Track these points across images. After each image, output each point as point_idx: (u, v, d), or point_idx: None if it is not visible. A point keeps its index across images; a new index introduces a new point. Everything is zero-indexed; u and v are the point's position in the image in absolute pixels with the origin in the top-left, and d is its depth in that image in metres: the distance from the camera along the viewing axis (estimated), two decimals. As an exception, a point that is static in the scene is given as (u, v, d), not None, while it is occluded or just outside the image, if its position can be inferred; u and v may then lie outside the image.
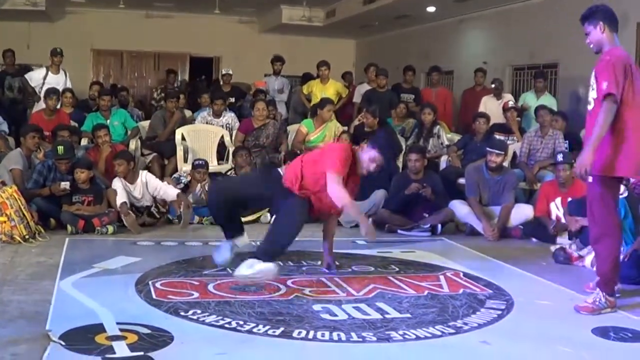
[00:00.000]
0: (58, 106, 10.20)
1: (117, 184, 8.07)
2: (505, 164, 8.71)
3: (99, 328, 4.36)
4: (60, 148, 8.01)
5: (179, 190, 8.19)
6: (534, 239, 7.95)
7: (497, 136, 9.62)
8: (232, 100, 12.18)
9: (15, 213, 7.03)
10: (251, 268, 5.41)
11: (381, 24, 16.86)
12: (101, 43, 18.37)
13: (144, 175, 8.31)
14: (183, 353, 4.05)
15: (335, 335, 4.43)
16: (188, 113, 11.70)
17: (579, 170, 5.03)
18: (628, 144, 4.98)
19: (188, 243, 7.30)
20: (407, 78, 12.40)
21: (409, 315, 4.93)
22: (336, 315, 4.85)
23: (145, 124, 11.04)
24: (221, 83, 13.11)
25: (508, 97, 11.38)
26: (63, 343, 4.06)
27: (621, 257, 5.82)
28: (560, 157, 7.93)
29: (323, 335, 4.43)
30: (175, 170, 9.74)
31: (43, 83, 10.97)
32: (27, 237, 7.04)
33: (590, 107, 5.14)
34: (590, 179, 5.08)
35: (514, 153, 9.69)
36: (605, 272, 5.18)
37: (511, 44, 13.60)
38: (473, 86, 12.61)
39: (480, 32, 14.98)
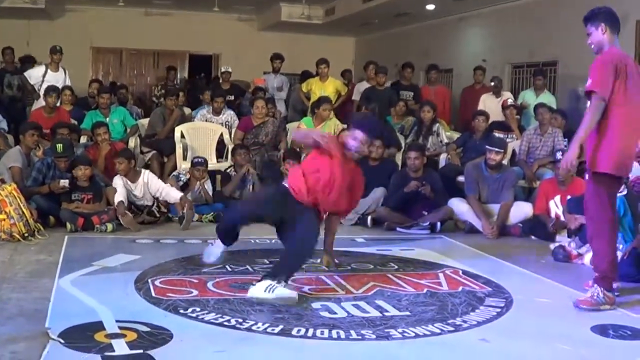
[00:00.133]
0: (58, 104, 10.20)
1: (118, 182, 8.06)
2: (505, 161, 8.72)
3: (98, 326, 4.36)
4: (60, 146, 8.01)
5: (182, 193, 8.17)
6: (533, 237, 7.95)
7: (497, 134, 9.62)
8: (232, 98, 12.17)
9: (14, 211, 7.03)
10: (270, 292, 4.93)
11: (381, 21, 16.86)
12: (100, 41, 18.37)
13: (146, 175, 8.30)
14: (182, 351, 4.05)
15: (334, 333, 4.43)
16: (187, 111, 11.69)
17: (563, 164, 5.28)
18: (610, 141, 5.10)
19: (187, 241, 7.30)
20: (405, 75, 12.39)
21: (408, 313, 4.93)
22: (335, 313, 4.85)
23: (145, 121, 11.04)
24: (220, 81, 13.11)
25: (507, 95, 11.40)
26: (62, 341, 4.06)
27: (620, 254, 5.85)
28: (559, 155, 7.94)
29: (322, 333, 4.43)
30: (175, 168, 9.75)
31: (42, 81, 10.97)
32: (26, 234, 7.04)
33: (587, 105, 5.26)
34: (586, 175, 5.23)
35: (513, 151, 9.69)
36: (602, 269, 5.23)
37: (510, 42, 13.60)
38: (472, 84, 12.62)
39: (479, 30, 14.98)
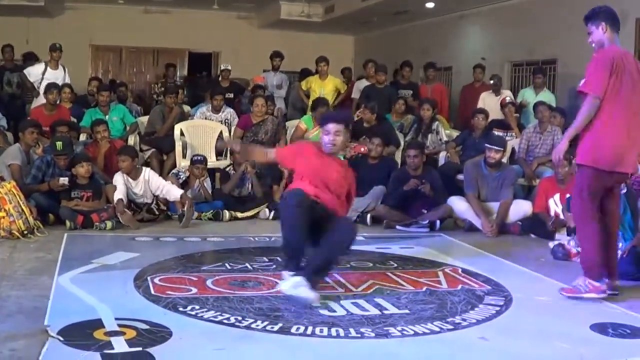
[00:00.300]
0: (58, 101, 10.19)
1: (119, 179, 8.05)
2: (504, 160, 8.72)
3: (98, 323, 4.35)
4: (59, 143, 8.00)
5: (182, 191, 8.17)
6: (532, 235, 7.95)
7: (496, 132, 9.61)
8: (231, 96, 12.17)
9: (13, 208, 7.02)
10: (295, 289, 4.92)
11: (380, 20, 16.86)
12: (100, 39, 18.37)
13: (147, 173, 8.30)
14: (181, 349, 4.05)
15: (333, 331, 4.43)
16: (187, 108, 11.69)
17: (553, 156, 5.61)
18: (593, 134, 5.27)
19: (187, 239, 7.30)
20: (404, 74, 12.39)
21: (407, 311, 4.93)
22: (335, 311, 4.85)
23: (144, 119, 11.04)
24: (220, 79, 13.11)
25: (506, 94, 11.40)
26: (61, 338, 4.06)
27: (620, 253, 5.85)
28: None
29: (321, 331, 4.43)
30: (174, 165, 9.75)
31: (42, 78, 10.97)
32: (25, 232, 7.04)
33: None
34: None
35: (513, 149, 9.69)
36: (585, 259, 5.42)
37: (510, 40, 13.60)
38: (472, 82, 12.62)
39: (479, 28, 14.98)
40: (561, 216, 7.61)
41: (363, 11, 15.46)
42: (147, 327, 4.33)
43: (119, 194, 7.87)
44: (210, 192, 8.73)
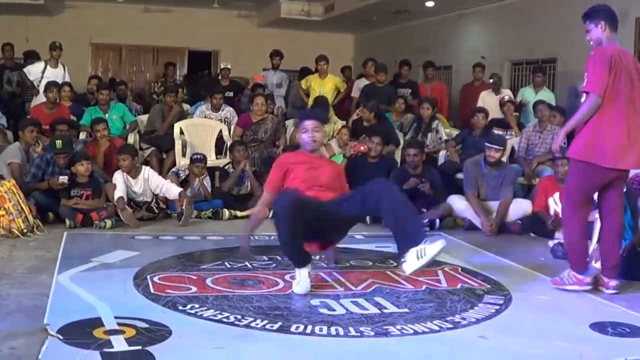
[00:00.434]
0: (58, 99, 10.19)
1: (118, 177, 8.06)
2: (504, 159, 8.72)
3: (97, 322, 4.36)
4: (59, 142, 8.01)
5: (181, 189, 8.18)
6: (532, 234, 7.96)
7: (496, 131, 9.61)
8: (231, 94, 12.17)
9: (13, 207, 7.03)
10: (423, 256, 4.91)
11: (380, 18, 16.85)
12: (100, 37, 18.36)
13: (146, 171, 8.30)
14: (181, 347, 4.05)
15: (333, 330, 4.43)
16: (186, 107, 11.70)
17: (552, 147, 5.91)
18: (591, 131, 5.34)
19: (186, 237, 7.30)
20: (402, 73, 12.40)
21: (407, 310, 4.93)
22: (334, 310, 4.85)
23: (144, 118, 11.04)
24: (220, 77, 13.10)
25: (506, 92, 11.40)
26: (61, 337, 4.06)
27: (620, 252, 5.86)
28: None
29: (321, 330, 4.43)
30: (174, 164, 9.75)
31: (42, 77, 10.97)
32: (25, 231, 7.04)
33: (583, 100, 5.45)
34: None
35: (512, 148, 9.69)
36: (570, 252, 5.68)
37: (510, 39, 13.59)
38: (471, 81, 12.62)
39: (478, 27, 14.97)
40: (561, 215, 7.60)
41: (363, 10, 15.45)
42: (147, 325, 4.33)
43: (119, 192, 7.88)
44: (209, 190, 8.73)
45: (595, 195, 5.68)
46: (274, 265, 6.08)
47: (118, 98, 11.77)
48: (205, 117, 10.77)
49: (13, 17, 16.25)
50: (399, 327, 4.53)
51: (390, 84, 12.31)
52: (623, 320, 4.82)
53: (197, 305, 4.83)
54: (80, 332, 4.16)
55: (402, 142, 10.09)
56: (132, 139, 10.26)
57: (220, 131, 10.48)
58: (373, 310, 4.89)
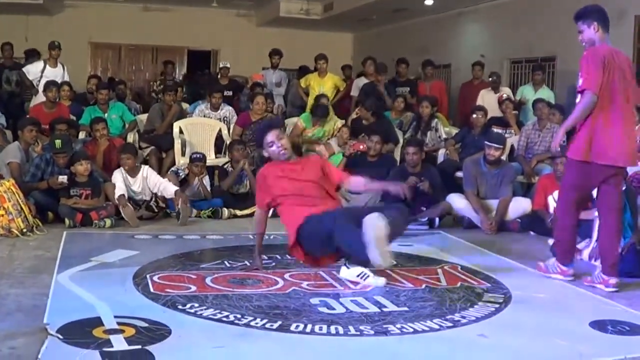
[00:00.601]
0: (57, 99, 10.18)
1: (118, 176, 8.07)
2: (503, 157, 8.72)
3: (97, 322, 4.35)
4: (58, 142, 8.00)
5: (177, 188, 8.18)
6: (531, 233, 7.96)
7: (495, 130, 9.61)
8: (230, 93, 12.17)
9: (13, 206, 7.03)
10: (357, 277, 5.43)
11: (379, 17, 16.86)
12: (99, 36, 18.37)
13: (145, 170, 8.32)
14: (180, 346, 4.04)
15: (332, 328, 4.42)
16: (186, 106, 11.70)
17: (552, 147, 5.94)
18: (586, 130, 5.42)
19: (186, 236, 7.30)
20: (400, 71, 12.40)
21: (406, 308, 4.93)
22: (334, 309, 4.84)
23: (143, 117, 11.04)
24: (219, 76, 13.11)
25: (505, 91, 11.40)
26: (60, 336, 4.06)
27: (619, 250, 5.87)
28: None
29: (321, 328, 4.42)
30: (173, 163, 9.75)
31: (41, 76, 10.97)
32: (24, 230, 7.04)
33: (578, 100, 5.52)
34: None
35: (512, 146, 9.69)
36: (558, 244, 5.91)
37: (509, 38, 13.60)
38: (471, 80, 12.63)
39: (478, 25, 14.98)
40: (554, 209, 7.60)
41: (362, 9, 15.46)
42: (146, 325, 4.32)
43: (119, 190, 7.89)
44: (209, 189, 8.72)
45: (595, 194, 5.70)
46: (274, 264, 6.08)
47: (117, 97, 11.77)
48: (204, 116, 10.76)
49: (12, 17, 16.26)
50: (398, 325, 4.53)
51: (389, 82, 12.31)
52: (623, 319, 4.81)
53: (196, 305, 4.83)
54: (79, 331, 4.16)
55: (401, 140, 10.09)
56: (131, 138, 10.26)
57: (220, 130, 10.48)
58: (373, 309, 4.89)
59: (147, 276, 5.53)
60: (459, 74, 14.81)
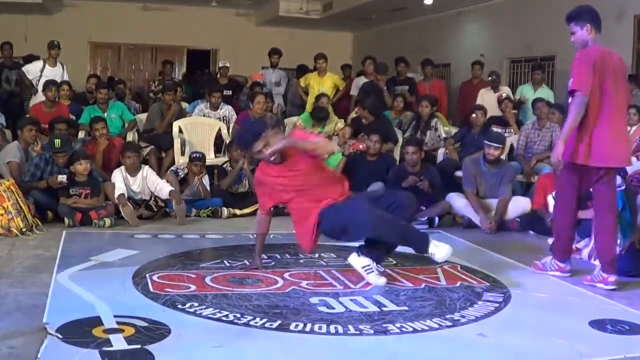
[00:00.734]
0: (57, 98, 10.18)
1: (118, 175, 8.07)
2: (503, 156, 8.72)
3: (96, 321, 4.35)
4: (57, 141, 8.00)
5: (172, 188, 8.16)
6: (531, 232, 7.95)
7: (495, 129, 9.61)
8: (229, 93, 12.17)
9: (12, 206, 7.03)
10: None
11: (378, 16, 16.86)
12: (98, 36, 18.38)
13: (145, 170, 8.32)
14: (180, 346, 4.05)
15: (332, 328, 4.43)
16: (185, 105, 11.69)
17: (553, 159, 5.70)
18: (579, 131, 5.44)
19: (185, 236, 7.30)
20: (399, 70, 12.40)
21: (406, 308, 4.93)
22: (333, 308, 4.85)
23: (143, 116, 11.03)
24: (218, 76, 13.10)
25: (505, 90, 11.40)
26: (60, 336, 4.06)
27: (619, 250, 5.87)
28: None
29: (320, 328, 4.43)
30: (173, 163, 9.74)
31: (40, 76, 10.96)
32: (24, 229, 7.04)
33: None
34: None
35: (511, 146, 9.68)
36: (556, 242, 5.98)
37: (508, 37, 13.61)
38: (470, 79, 12.63)
39: (477, 24, 14.98)
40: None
41: (361, 8, 15.46)
42: (146, 324, 4.33)
43: (119, 190, 7.89)
44: (208, 189, 8.72)
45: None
46: (273, 263, 6.08)
47: (117, 97, 11.77)
48: (204, 115, 10.75)
49: (12, 16, 16.25)
50: (398, 325, 4.53)
51: (388, 81, 12.30)
52: (622, 318, 4.82)
53: (196, 304, 4.83)
54: (79, 331, 4.16)
55: (400, 140, 10.09)
56: (131, 137, 10.25)
57: (219, 130, 10.47)
58: (372, 308, 4.89)
59: (147, 275, 5.53)
60: (458, 73, 14.81)
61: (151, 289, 5.18)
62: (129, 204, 7.84)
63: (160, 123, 10.42)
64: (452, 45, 15.51)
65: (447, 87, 14.03)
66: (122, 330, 4.19)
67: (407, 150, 8.47)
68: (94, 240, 7.00)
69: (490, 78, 11.70)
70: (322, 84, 11.91)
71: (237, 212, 8.47)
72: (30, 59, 12.83)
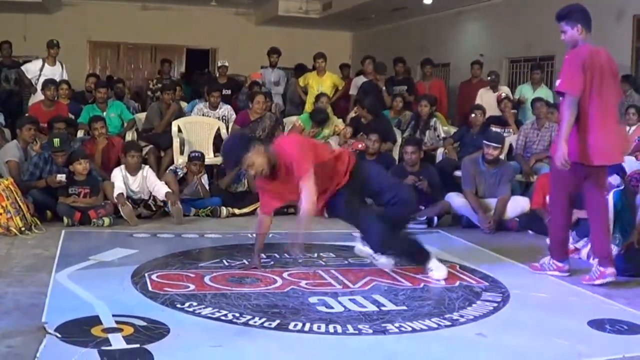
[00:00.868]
0: (56, 97, 10.17)
1: (117, 174, 8.07)
2: (502, 156, 8.72)
3: (95, 320, 4.35)
4: (56, 140, 8.00)
5: (169, 190, 8.15)
6: (530, 232, 7.95)
7: (494, 129, 9.61)
8: (228, 92, 12.16)
9: (11, 205, 7.02)
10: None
11: (378, 16, 16.86)
12: (98, 35, 18.37)
13: (146, 170, 8.32)
14: (179, 345, 4.05)
15: (331, 327, 4.43)
16: (184, 105, 11.69)
17: (557, 162, 5.48)
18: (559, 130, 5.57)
19: (184, 235, 7.30)
20: (397, 70, 12.40)
21: (405, 307, 4.93)
22: (332, 308, 4.85)
23: (142, 116, 11.03)
24: (217, 75, 13.09)
25: (504, 90, 11.40)
26: (59, 335, 4.06)
27: (618, 249, 5.88)
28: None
29: (319, 327, 4.43)
30: (172, 162, 9.73)
31: (39, 75, 10.95)
32: (23, 229, 7.04)
33: None
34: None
35: (510, 145, 9.69)
36: (552, 241, 6.00)
37: (508, 37, 13.60)
38: (470, 79, 12.63)
39: (476, 24, 14.98)
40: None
41: (361, 8, 15.45)
42: (145, 323, 4.33)
43: (118, 189, 7.89)
44: (207, 188, 8.72)
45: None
46: (272, 263, 6.08)
47: (116, 96, 11.76)
48: (203, 115, 10.75)
49: (11, 15, 16.24)
50: (397, 324, 4.54)
51: (387, 81, 12.30)
52: (621, 318, 4.82)
53: (195, 303, 4.83)
54: (78, 330, 4.16)
55: (399, 139, 10.08)
56: (130, 137, 10.24)
57: (218, 129, 10.46)
58: (371, 307, 4.89)
59: (146, 275, 5.53)
60: (457, 73, 14.80)
61: (150, 288, 5.18)
62: (128, 203, 7.84)
63: (159, 122, 10.41)
64: (451, 45, 15.51)
65: (446, 87, 14.04)
66: (121, 330, 4.19)
67: (406, 150, 8.47)
68: (93, 240, 7.00)
69: (489, 78, 11.70)
70: (321, 84, 11.89)
71: (236, 211, 8.47)
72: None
